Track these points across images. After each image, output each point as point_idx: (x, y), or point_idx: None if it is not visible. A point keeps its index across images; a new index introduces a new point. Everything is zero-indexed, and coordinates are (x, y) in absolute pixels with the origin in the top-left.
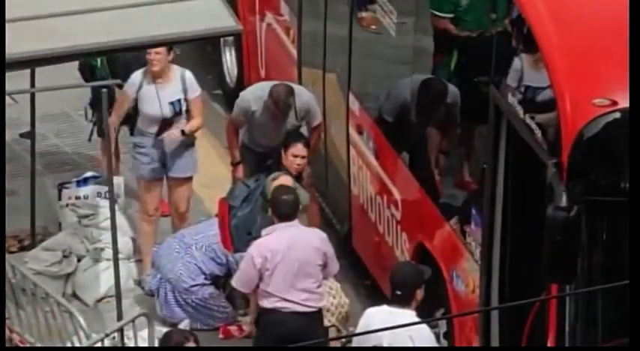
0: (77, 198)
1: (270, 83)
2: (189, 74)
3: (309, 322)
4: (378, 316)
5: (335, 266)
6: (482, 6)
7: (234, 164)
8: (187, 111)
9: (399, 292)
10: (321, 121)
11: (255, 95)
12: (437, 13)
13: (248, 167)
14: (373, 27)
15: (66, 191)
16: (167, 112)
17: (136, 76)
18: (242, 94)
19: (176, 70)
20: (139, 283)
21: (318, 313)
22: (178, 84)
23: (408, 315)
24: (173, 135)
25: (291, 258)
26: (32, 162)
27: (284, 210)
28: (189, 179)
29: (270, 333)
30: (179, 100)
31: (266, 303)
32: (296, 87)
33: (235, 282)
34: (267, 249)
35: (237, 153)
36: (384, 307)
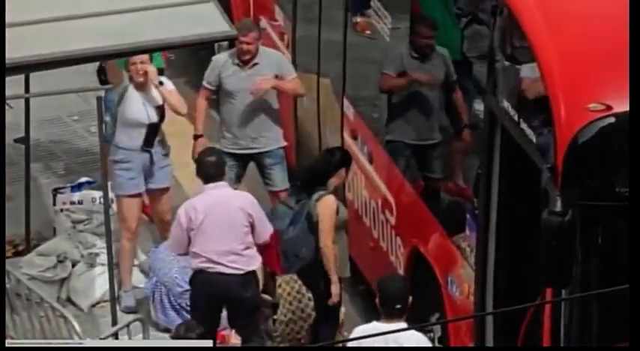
0: (72, 203)
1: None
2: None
3: (238, 284)
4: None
5: (265, 230)
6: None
7: (196, 137)
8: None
9: (399, 306)
10: (296, 75)
11: (225, 53)
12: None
13: (229, 174)
14: (368, 32)
15: (60, 196)
16: (154, 117)
17: (123, 85)
18: (213, 58)
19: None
20: (117, 298)
21: (247, 276)
22: (154, 88)
23: (404, 327)
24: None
25: (216, 217)
26: (27, 167)
27: (209, 171)
28: (169, 189)
29: (201, 293)
30: (162, 106)
31: (195, 263)
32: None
33: (170, 246)
34: (193, 208)
35: (201, 125)
36: (381, 326)
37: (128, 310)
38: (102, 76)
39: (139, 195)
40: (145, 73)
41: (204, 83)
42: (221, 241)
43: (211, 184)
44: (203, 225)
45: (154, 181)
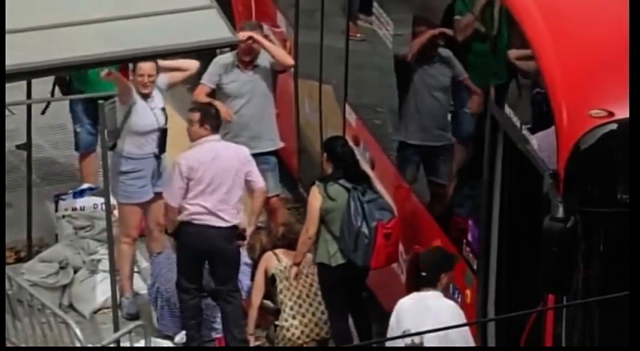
0: (74, 209)
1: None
2: (161, 82)
3: (223, 236)
4: (407, 301)
5: (260, 181)
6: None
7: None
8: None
9: (424, 274)
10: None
11: (227, 55)
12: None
13: None
14: (358, 35)
15: (62, 203)
16: (162, 120)
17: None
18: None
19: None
20: (119, 305)
21: (232, 229)
22: (157, 92)
23: (435, 296)
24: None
25: (215, 169)
26: (29, 173)
27: (216, 121)
28: None
29: (187, 244)
30: (164, 108)
31: (185, 214)
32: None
33: (165, 196)
34: (195, 159)
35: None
36: (414, 294)
37: (130, 317)
38: (63, 87)
39: (143, 202)
40: (152, 85)
41: (203, 81)
42: (218, 192)
43: (211, 136)
44: (202, 176)
45: (158, 185)
